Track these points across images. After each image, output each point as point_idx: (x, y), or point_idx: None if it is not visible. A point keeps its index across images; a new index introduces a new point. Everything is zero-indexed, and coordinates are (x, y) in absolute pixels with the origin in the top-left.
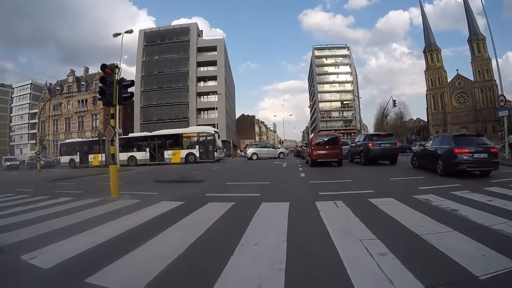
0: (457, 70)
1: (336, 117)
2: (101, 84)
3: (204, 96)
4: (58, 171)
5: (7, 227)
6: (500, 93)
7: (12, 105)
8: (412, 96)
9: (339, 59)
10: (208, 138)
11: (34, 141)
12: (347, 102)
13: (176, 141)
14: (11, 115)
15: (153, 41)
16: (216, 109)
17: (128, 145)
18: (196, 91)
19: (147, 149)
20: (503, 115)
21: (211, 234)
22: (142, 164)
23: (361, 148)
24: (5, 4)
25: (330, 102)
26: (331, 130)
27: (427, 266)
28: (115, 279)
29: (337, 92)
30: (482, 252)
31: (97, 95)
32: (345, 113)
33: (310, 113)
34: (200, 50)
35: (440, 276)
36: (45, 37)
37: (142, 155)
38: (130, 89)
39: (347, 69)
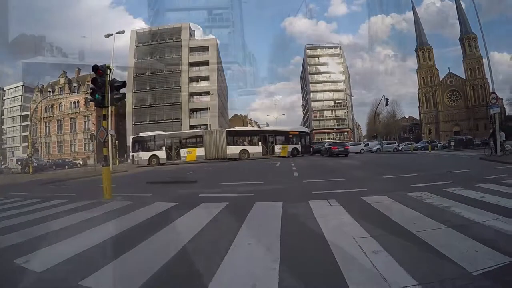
0: (448, 68)
1: (329, 116)
2: (93, 86)
3: (197, 97)
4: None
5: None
6: (491, 91)
7: (3, 107)
8: (399, 96)
9: (331, 58)
10: (306, 135)
11: (26, 144)
12: (339, 101)
13: (283, 137)
14: (2, 117)
15: (145, 41)
16: (209, 110)
17: (239, 139)
18: (189, 91)
19: (260, 143)
20: (494, 113)
21: (205, 234)
22: (252, 158)
23: (327, 149)
24: (7, 13)
25: (322, 101)
26: (324, 129)
27: (420, 263)
28: (109, 281)
29: (330, 91)
30: (475, 248)
31: (89, 96)
32: (337, 112)
33: (303, 112)
34: (193, 50)
35: (434, 273)
36: (44, 44)
37: (254, 149)
38: (122, 90)
39: (339, 68)
